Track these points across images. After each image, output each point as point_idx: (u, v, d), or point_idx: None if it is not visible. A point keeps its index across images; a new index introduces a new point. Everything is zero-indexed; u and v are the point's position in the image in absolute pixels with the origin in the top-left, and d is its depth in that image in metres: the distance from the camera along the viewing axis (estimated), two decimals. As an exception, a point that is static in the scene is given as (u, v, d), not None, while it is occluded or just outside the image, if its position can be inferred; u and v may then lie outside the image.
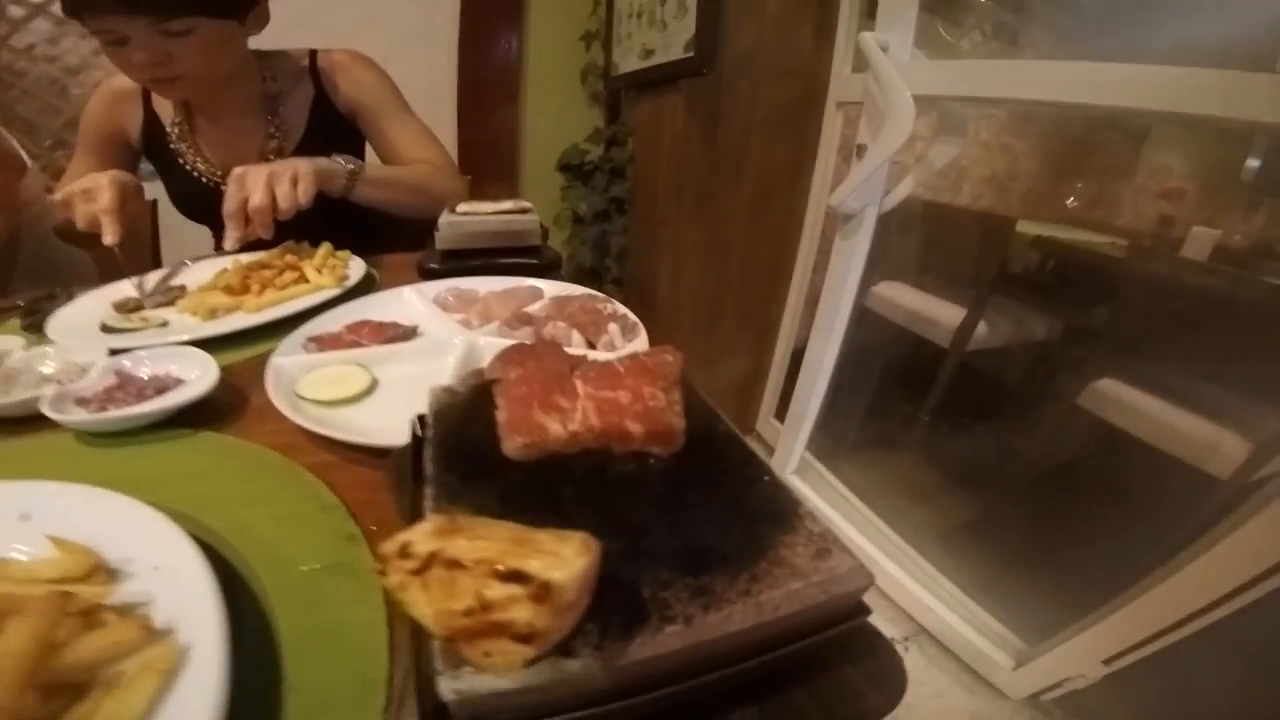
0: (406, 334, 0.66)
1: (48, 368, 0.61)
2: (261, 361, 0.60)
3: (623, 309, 0.65)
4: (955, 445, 2.14)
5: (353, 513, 0.43)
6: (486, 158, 2.27)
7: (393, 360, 0.60)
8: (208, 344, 0.64)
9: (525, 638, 0.19)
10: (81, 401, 0.55)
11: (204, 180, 1.07)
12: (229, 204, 0.82)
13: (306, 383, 0.57)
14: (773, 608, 0.20)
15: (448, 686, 0.19)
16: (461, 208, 0.86)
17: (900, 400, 2.20)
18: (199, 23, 0.87)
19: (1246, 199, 2.80)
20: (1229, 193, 2.83)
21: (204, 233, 1.21)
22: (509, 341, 0.58)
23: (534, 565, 0.19)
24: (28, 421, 0.53)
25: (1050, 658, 1.15)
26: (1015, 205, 2.69)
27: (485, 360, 0.56)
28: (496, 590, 0.19)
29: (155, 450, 0.52)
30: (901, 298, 2.13)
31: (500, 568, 0.20)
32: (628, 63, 1.98)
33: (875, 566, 1.47)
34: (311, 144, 1.07)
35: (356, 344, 0.64)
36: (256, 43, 1.04)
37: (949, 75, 1.17)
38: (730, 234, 1.77)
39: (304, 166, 0.86)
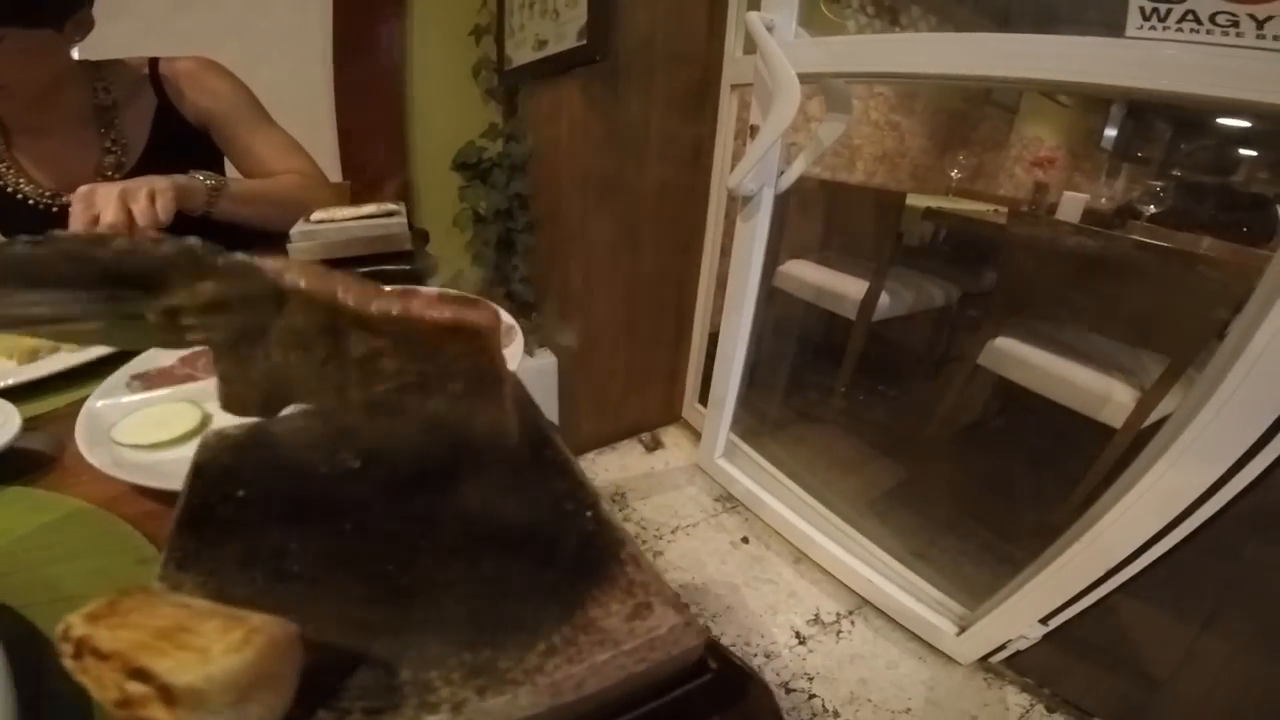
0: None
1: None
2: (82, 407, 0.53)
3: (509, 319, 0.60)
4: (872, 414, 2.22)
5: None
6: (373, 161, 2.15)
7: None
8: (20, 390, 0.58)
9: None
10: None
11: (31, 202, 0.97)
12: (75, 224, 0.76)
13: (125, 427, 0.50)
14: (573, 686, 0.15)
15: None
16: (316, 215, 0.78)
17: (816, 374, 2.26)
18: (8, 32, 0.79)
19: (1108, 165, 3.05)
20: (1093, 159, 3.07)
21: None
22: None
23: (162, 665, 0.18)
24: None
25: (989, 621, 1.18)
26: (906, 180, 2.82)
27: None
28: (133, 687, 0.18)
29: None
30: (808, 275, 2.18)
31: (135, 665, 0.18)
32: (521, 55, 1.91)
33: (810, 544, 1.51)
34: (155, 157, 0.99)
35: (191, 378, 0.56)
36: (92, 52, 0.95)
37: (833, 52, 1.18)
38: (638, 223, 1.75)
39: (161, 182, 0.80)
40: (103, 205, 0.76)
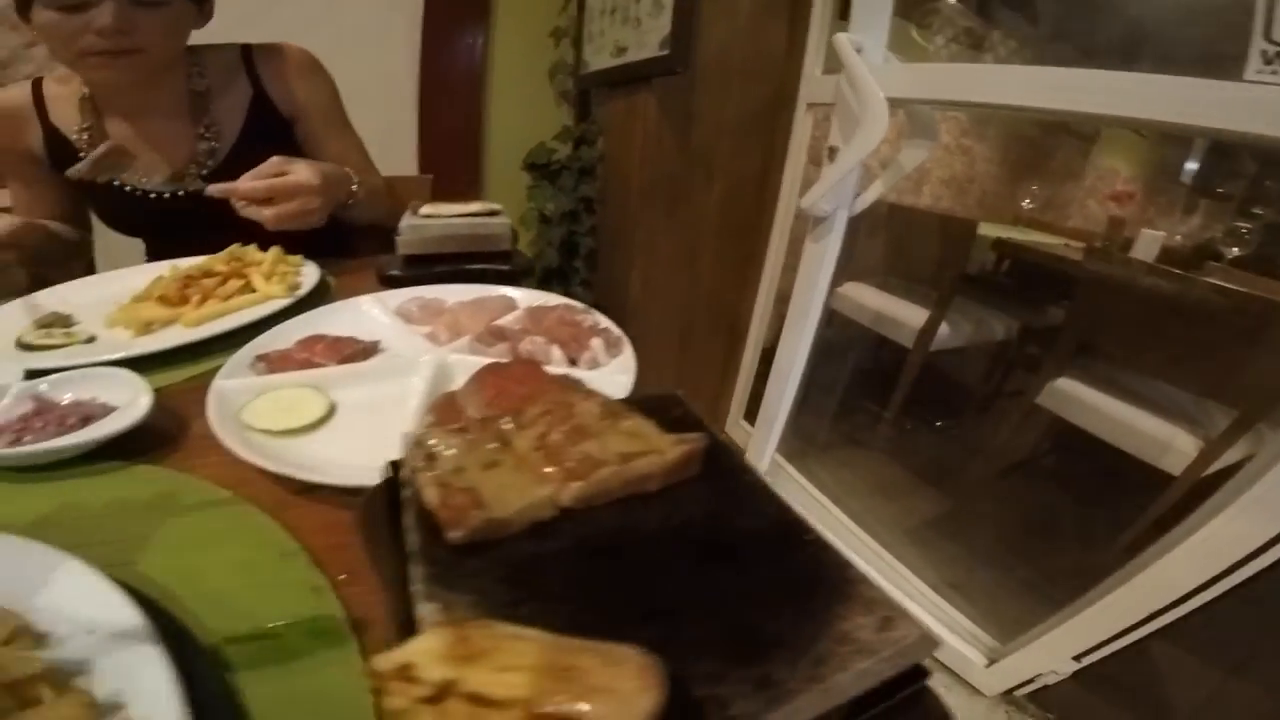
0: (367, 350, 0.61)
1: None
2: (203, 383, 0.54)
3: (605, 321, 0.62)
4: (921, 443, 2.18)
5: (316, 559, 0.38)
6: (449, 157, 2.21)
7: (352, 381, 0.55)
8: (141, 363, 0.58)
9: None
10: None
11: (128, 190, 0.97)
12: (265, 172, 0.81)
13: (254, 410, 0.51)
14: (841, 692, 0.17)
15: None
16: (425, 209, 0.81)
17: (866, 399, 2.23)
18: None
19: (1185, 200, 2.93)
20: (1170, 194, 2.96)
21: (138, 245, 1.12)
22: (482, 360, 0.54)
23: (595, 712, 0.16)
24: None
25: (1022, 655, 1.16)
26: (973, 207, 2.76)
27: (457, 381, 0.53)
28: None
29: (81, 487, 0.46)
30: (866, 299, 2.16)
31: (542, 713, 0.16)
32: (599, 60, 1.94)
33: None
34: (248, 147, 0.98)
35: (310, 363, 0.58)
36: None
37: (922, 78, 1.17)
38: (701, 235, 1.76)
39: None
40: (299, 168, 0.81)
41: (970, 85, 1.11)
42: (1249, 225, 2.36)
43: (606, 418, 0.25)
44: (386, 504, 0.26)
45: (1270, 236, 2.50)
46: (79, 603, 0.31)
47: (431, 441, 0.23)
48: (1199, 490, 1.07)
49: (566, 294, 0.69)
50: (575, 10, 2.07)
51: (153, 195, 0.97)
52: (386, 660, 0.18)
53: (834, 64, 1.30)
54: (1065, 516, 1.84)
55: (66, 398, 0.53)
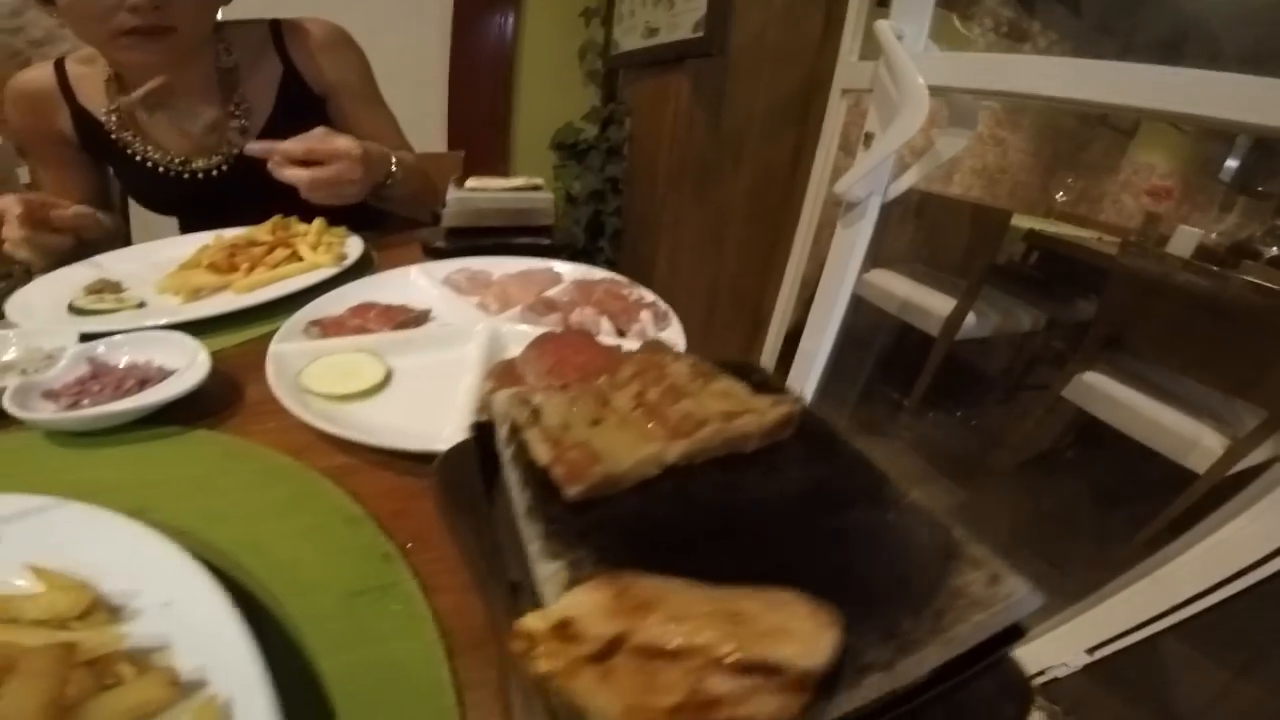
0: (418, 318, 0.62)
1: (8, 354, 0.54)
2: (254, 348, 0.55)
3: (650, 295, 0.62)
4: (941, 433, 2.18)
5: (383, 526, 0.38)
6: (477, 135, 2.22)
7: (407, 348, 0.56)
8: (192, 328, 0.58)
9: None
10: (50, 395, 0.48)
11: (161, 170, 0.96)
12: (316, 154, 0.79)
13: (312, 374, 0.51)
14: (962, 643, 0.18)
15: None
16: (471, 183, 0.82)
17: (888, 387, 2.23)
18: None
19: (1222, 198, 2.87)
20: (1208, 191, 2.90)
21: (173, 223, 1.12)
22: (535, 329, 0.55)
23: (783, 652, 0.16)
24: None
25: (1036, 646, 1.15)
26: (1004, 198, 2.72)
27: (510, 349, 0.54)
28: (723, 683, 0.16)
29: (141, 453, 0.45)
30: (893, 286, 2.14)
31: (733, 659, 0.16)
32: (629, 41, 1.93)
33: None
34: (279, 125, 0.95)
35: (363, 329, 0.59)
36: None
37: (963, 67, 1.15)
38: (729, 218, 1.76)
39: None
40: (340, 141, 0.79)
41: (1014, 76, 1.09)
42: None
43: (697, 378, 0.26)
44: (476, 465, 0.27)
45: None
46: (154, 573, 0.30)
47: (536, 398, 0.23)
48: (1222, 489, 1.06)
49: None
50: (607, -10, 2.06)
51: (186, 175, 0.97)
52: (540, 619, 0.17)
53: (870, 50, 1.28)
54: (1083, 511, 1.84)
55: (122, 361, 0.53)
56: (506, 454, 0.23)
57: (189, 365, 0.51)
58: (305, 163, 0.79)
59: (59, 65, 0.94)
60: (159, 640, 0.27)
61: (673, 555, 0.19)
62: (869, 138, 1.31)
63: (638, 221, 1.99)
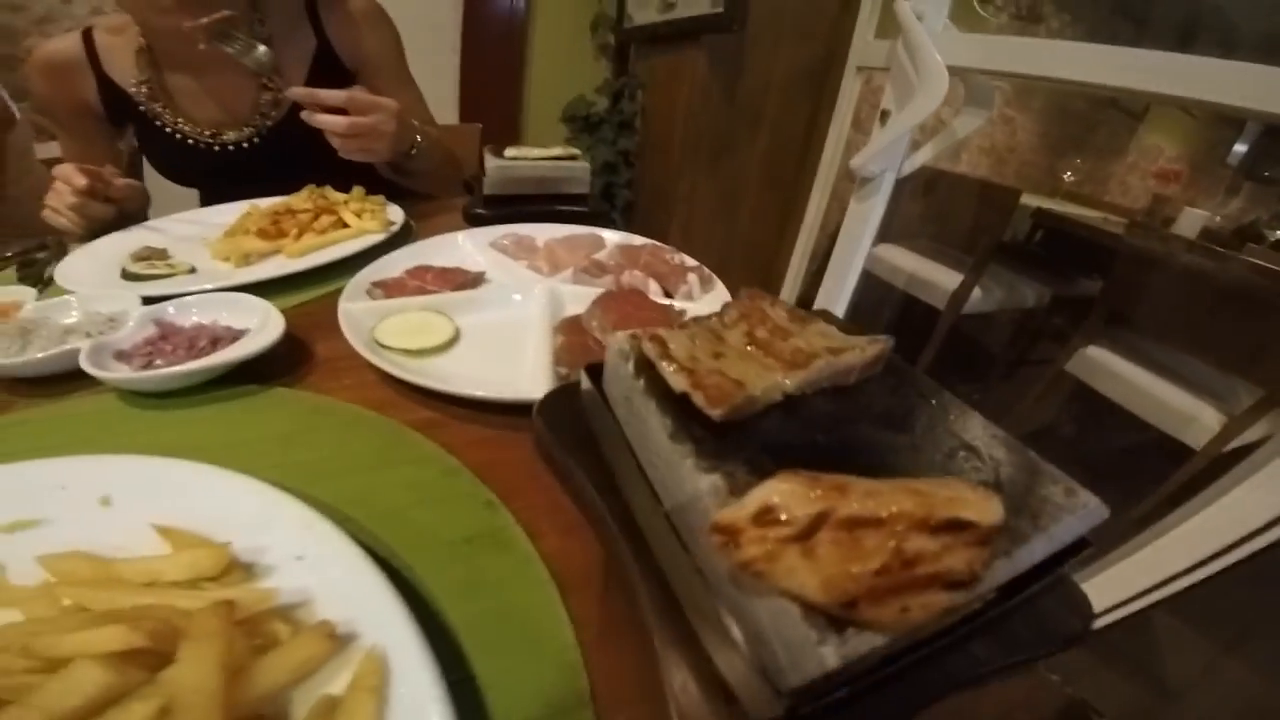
0: (475, 280, 0.65)
1: (69, 319, 0.55)
2: (313, 309, 0.56)
3: (692, 260, 0.66)
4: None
5: (477, 475, 0.39)
6: (489, 107, 2.22)
7: (471, 307, 0.59)
8: (248, 291, 0.59)
9: (960, 584, 0.18)
10: (121, 356, 0.48)
11: (190, 141, 0.96)
12: (356, 103, 0.79)
13: (385, 331, 0.53)
14: (1059, 540, 0.21)
15: (833, 652, 0.18)
16: (510, 152, 0.85)
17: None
18: None
19: (1229, 182, 2.89)
20: (1215, 175, 2.92)
21: (192, 193, 1.12)
22: (589, 289, 0.59)
23: (973, 508, 0.18)
24: (56, 381, 0.47)
25: None
26: (1010, 176, 2.74)
27: (568, 308, 0.57)
28: (922, 542, 0.17)
29: (221, 411, 0.45)
30: (900, 260, 2.17)
31: (932, 518, 0.18)
32: (644, 15, 1.93)
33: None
34: None
35: (423, 290, 0.62)
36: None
37: (982, 48, 1.17)
38: (742, 190, 1.78)
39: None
40: (374, 107, 0.79)
41: (1033, 58, 1.10)
42: None
43: (795, 321, 0.29)
44: (606, 406, 0.30)
45: None
46: (280, 528, 0.30)
47: (663, 336, 0.26)
48: (1217, 466, 1.09)
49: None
50: (623, -37, 2.05)
51: (216, 147, 0.97)
52: (738, 510, 0.19)
53: (885, 29, 1.29)
54: (1082, 483, 1.89)
55: (189, 322, 0.54)
56: (636, 386, 0.26)
57: (261, 325, 0.51)
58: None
59: (87, 35, 0.93)
60: (300, 595, 0.27)
61: (811, 467, 0.21)
62: (885, 115, 1.33)
63: (651, 193, 2.01)
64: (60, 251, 0.74)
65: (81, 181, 0.77)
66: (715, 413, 0.23)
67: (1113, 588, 1.06)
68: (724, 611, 0.22)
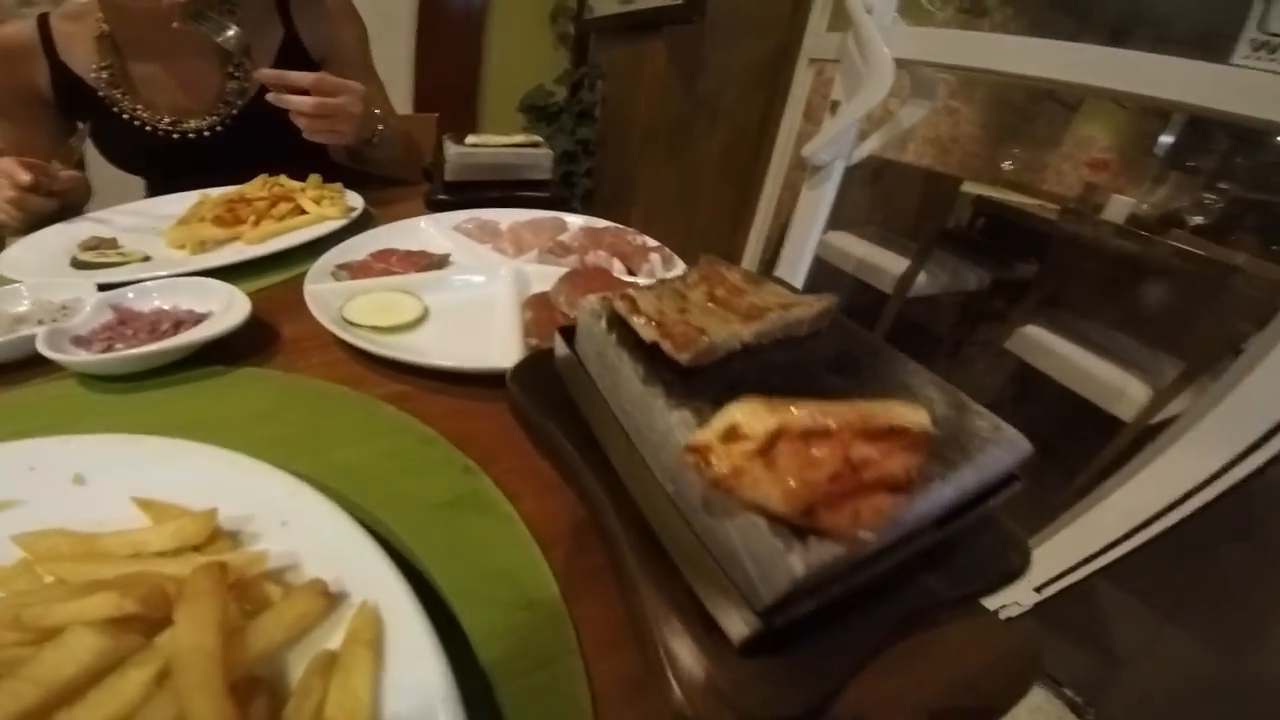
0: (439, 262, 0.66)
1: (20, 307, 0.53)
2: (276, 293, 0.56)
3: (654, 241, 0.68)
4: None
5: (455, 443, 0.40)
6: (446, 97, 2.19)
7: (438, 287, 0.60)
8: (209, 276, 0.58)
9: (899, 487, 0.20)
10: (79, 341, 0.47)
11: (148, 129, 0.95)
12: (324, 84, 0.79)
13: (353, 309, 0.54)
14: (985, 469, 0.24)
15: (799, 560, 0.20)
16: (471, 139, 0.85)
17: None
18: None
19: (1156, 171, 3.06)
20: (1143, 164, 3.09)
21: (135, 183, 1.09)
22: (554, 269, 0.60)
23: (906, 418, 0.20)
24: (9, 370, 0.46)
25: None
26: (954, 166, 2.84)
27: (535, 286, 0.59)
28: (866, 450, 0.20)
29: (190, 392, 0.44)
30: (850, 247, 2.25)
31: (872, 427, 0.20)
32: (605, 6, 1.94)
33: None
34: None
35: (389, 272, 0.62)
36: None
37: (928, 41, 1.22)
38: (701, 179, 1.82)
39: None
40: (342, 89, 0.80)
41: (975, 51, 1.16)
42: (1214, 198, 2.50)
43: (749, 283, 0.32)
44: (580, 363, 0.32)
45: (1232, 209, 2.65)
46: (261, 496, 0.30)
47: (631, 294, 0.28)
48: (1147, 436, 1.17)
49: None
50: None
51: (175, 135, 0.96)
52: (708, 431, 0.21)
53: (838, 22, 1.33)
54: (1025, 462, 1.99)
55: (149, 307, 0.53)
56: (609, 340, 0.29)
57: (226, 307, 0.51)
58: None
59: (43, 21, 0.91)
60: (289, 559, 0.28)
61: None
62: (835, 105, 1.37)
63: (611, 182, 2.03)
64: None
65: (25, 178, 0.74)
66: (683, 357, 0.25)
67: (1056, 556, 1.13)
68: (699, 539, 0.24)
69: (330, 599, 0.25)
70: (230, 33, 0.80)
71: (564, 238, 0.69)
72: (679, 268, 0.65)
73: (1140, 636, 1.42)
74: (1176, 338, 1.59)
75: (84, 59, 0.92)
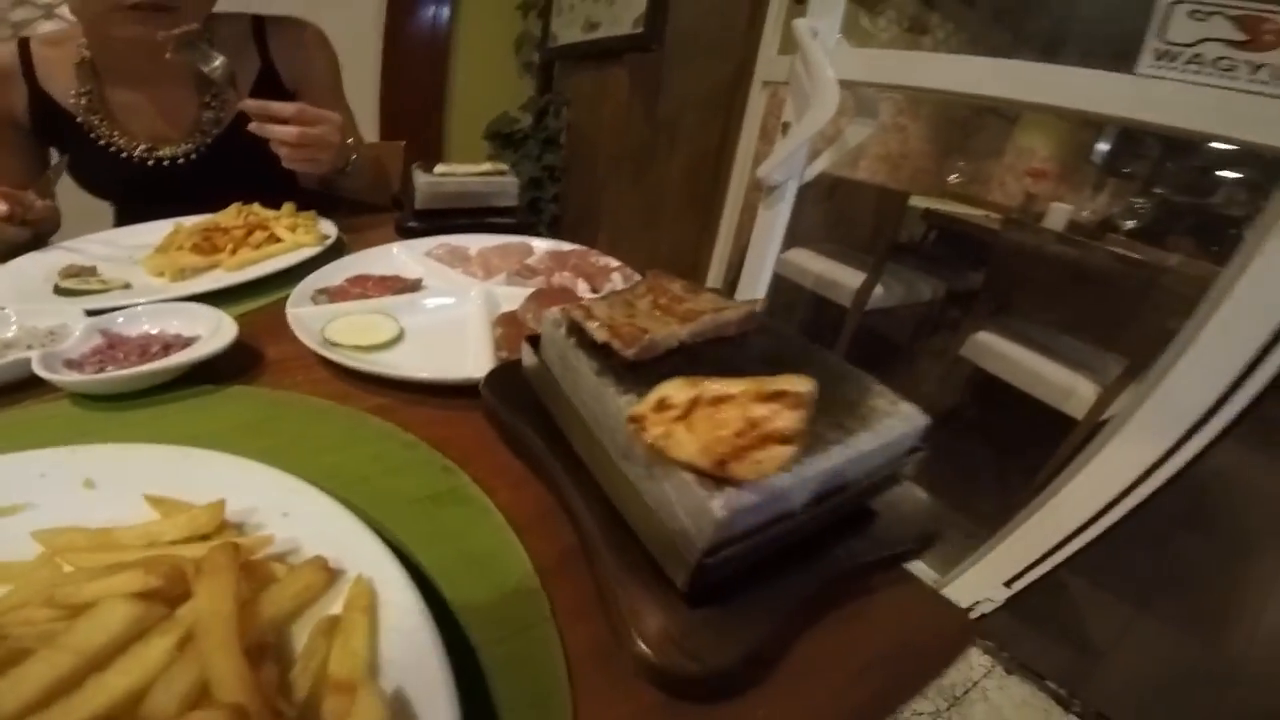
0: (413, 286, 0.70)
1: (8, 333, 0.55)
2: (257, 318, 0.59)
3: (616, 262, 0.73)
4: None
5: (435, 447, 0.44)
6: (411, 124, 2.22)
7: (413, 309, 0.64)
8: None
9: (788, 439, 0.24)
10: (71, 364, 0.50)
11: (123, 155, 0.96)
12: (305, 115, 0.82)
13: (336, 331, 0.57)
14: (881, 435, 0.30)
15: (722, 503, 0.25)
16: (439, 169, 0.90)
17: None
18: None
19: (1094, 178, 3.23)
20: (1081, 172, 3.26)
21: (102, 209, 1.10)
22: (522, 290, 0.65)
23: (790, 384, 0.25)
24: (3, 392, 0.48)
25: (960, 584, 1.31)
26: (906, 181, 2.97)
27: (504, 306, 0.63)
28: (760, 410, 0.24)
29: (179, 410, 0.48)
30: (808, 263, 2.33)
31: (763, 391, 0.25)
32: (568, 34, 2.00)
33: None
34: (249, 118, 0.93)
35: (365, 296, 0.66)
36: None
37: (870, 63, 1.29)
38: (664, 201, 1.88)
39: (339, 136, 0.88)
40: (321, 119, 0.82)
41: (912, 71, 1.24)
42: (1145, 202, 2.66)
43: (690, 292, 0.37)
44: (546, 366, 0.36)
45: (1162, 213, 2.82)
46: (260, 493, 0.33)
47: (586, 305, 0.34)
48: (1097, 433, 1.25)
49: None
50: (547, -16, 2.11)
51: (150, 162, 0.97)
52: (642, 405, 0.26)
53: (789, 45, 1.40)
54: (987, 464, 2.06)
55: (136, 332, 0.56)
56: (569, 344, 0.34)
57: (213, 330, 0.54)
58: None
59: (23, 45, 0.92)
60: (290, 544, 0.31)
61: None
62: (786, 126, 1.45)
63: (577, 207, 2.08)
64: None
65: (2, 208, 0.76)
66: (629, 352, 0.31)
67: (1020, 550, 1.18)
68: (647, 505, 0.29)
69: (330, 573, 0.29)
70: (217, 63, 0.83)
71: (530, 261, 0.74)
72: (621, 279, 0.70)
73: (1115, 627, 1.48)
74: (1118, 336, 1.67)
75: (63, 84, 0.93)
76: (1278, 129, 0.81)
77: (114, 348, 0.53)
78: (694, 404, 0.25)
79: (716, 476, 0.25)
